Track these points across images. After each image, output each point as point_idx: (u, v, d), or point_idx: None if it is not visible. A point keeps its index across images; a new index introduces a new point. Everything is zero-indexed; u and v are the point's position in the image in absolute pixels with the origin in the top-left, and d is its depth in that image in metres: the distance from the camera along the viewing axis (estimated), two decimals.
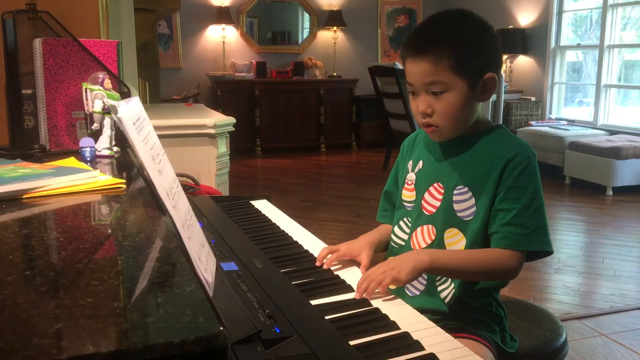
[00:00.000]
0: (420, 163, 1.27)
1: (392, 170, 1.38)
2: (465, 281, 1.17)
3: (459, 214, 1.18)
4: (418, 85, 1.16)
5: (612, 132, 5.77)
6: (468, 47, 1.13)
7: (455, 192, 1.19)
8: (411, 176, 1.29)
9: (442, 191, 1.21)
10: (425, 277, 1.21)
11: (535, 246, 1.13)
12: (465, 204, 1.18)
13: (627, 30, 6.02)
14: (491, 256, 1.14)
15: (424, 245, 1.22)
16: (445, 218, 1.19)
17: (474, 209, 1.17)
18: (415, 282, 1.22)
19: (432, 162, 1.25)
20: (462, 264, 1.13)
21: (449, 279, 1.19)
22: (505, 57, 7.12)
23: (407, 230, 1.27)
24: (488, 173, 1.15)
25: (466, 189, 1.17)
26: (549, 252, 1.15)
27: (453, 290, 1.18)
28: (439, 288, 1.20)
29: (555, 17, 6.57)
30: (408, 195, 1.28)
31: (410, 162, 1.30)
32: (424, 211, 1.23)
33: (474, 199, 1.17)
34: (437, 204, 1.21)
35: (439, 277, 1.20)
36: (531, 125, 6.32)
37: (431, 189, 1.23)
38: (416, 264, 1.08)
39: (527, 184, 1.13)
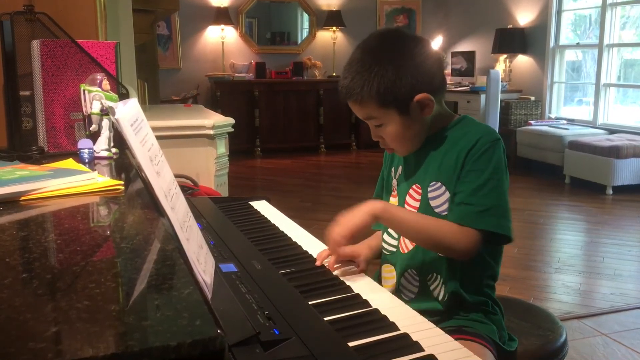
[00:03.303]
0: (400, 168, 1.30)
1: (378, 178, 1.41)
2: (456, 276, 1.18)
3: (436, 210, 1.19)
4: (362, 119, 1.21)
5: (612, 131, 5.77)
6: (385, 81, 1.13)
7: (429, 189, 1.21)
8: (394, 183, 1.32)
9: (420, 191, 1.23)
10: (417, 278, 1.23)
11: (485, 225, 1.12)
12: (440, 199, 1.19)
13: (627, 29, 6.01)
14: (442, 226, 1.14)
15: (410, 247, 1.24)
16: None
17: (449, 202, 1.18)
18: (408, 285, 1.25)
19: (408, 165, 1.27)
20: (411, 221, 1.16)
21: (439, 278, 1.20)
22: (504, 56, 7.12)
23: (395, 235, 1.29)
24: (455, 164, 1.17)
25: (439, 184, 1.19)
26: (508, 237, 1.14)
27: (444, 286, 1.19)
28: (431, 287, 1.21)
29: (554, 17, 6.57)
30: (393, 202, 1.30)
31: (392, 169, 1.34)
32: None
33: (448, 192, 1.18)
34: (417, 204, 1.23)
35: (430, 276, 1.21)
36: (530, 124, 6.32)
37: (410, 191, 1.25)
38: (370, 208, 1.15)
39: (485, 166, 1.14)
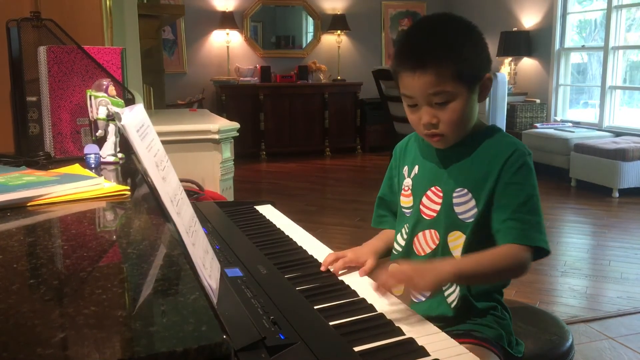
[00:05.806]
0: (416, 168, 1.27)
1: (385, 176, 1.39)
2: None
3: (460, 217, 1.17)
4: (420, 98, 1.14)
5: (618, 134, 5.75)
6: (465, 53, 1.13)
7: (454, 194, 1.18)
8: (408, 182, 1.28)
9: (441, 194, 1.20)
10: None
11: (534, 242, 1.11)
12: (465, 205, 1.17)
13: (632, 31, 6.00)
14: (506, 253, 1.11)
15: (427, 250, 1.21)
16: (448, 221, 1.19)
17: (475, 210, 1.16)
18: None
19: (428, 166, 1.25)
20: (485, 268, 1.10)
21: (454, 284, 1.17)
22: (509, 59, 7.12)
23: (406, 237, 1.27)
24: (487, 174, 1.15)
25: (465, 190, 1.17)
26: (547, 251, 1.13)
27: (457, 292, 1.17)
28: (446, 293, 1.19)
29: (559, 19, 6.56)
30: (406, 201, 1.28)
31: (406, 168, 1.30)
32: (424, 216, 1.23)
33: (474, 200, 1.16)
34: (437, 207, 1.20)
35: None
36: (536, 127, 6.31)
37: (429, 193, 1.22)
38: (439, 276, 1.05)
39: (524, 181, 1.13)
